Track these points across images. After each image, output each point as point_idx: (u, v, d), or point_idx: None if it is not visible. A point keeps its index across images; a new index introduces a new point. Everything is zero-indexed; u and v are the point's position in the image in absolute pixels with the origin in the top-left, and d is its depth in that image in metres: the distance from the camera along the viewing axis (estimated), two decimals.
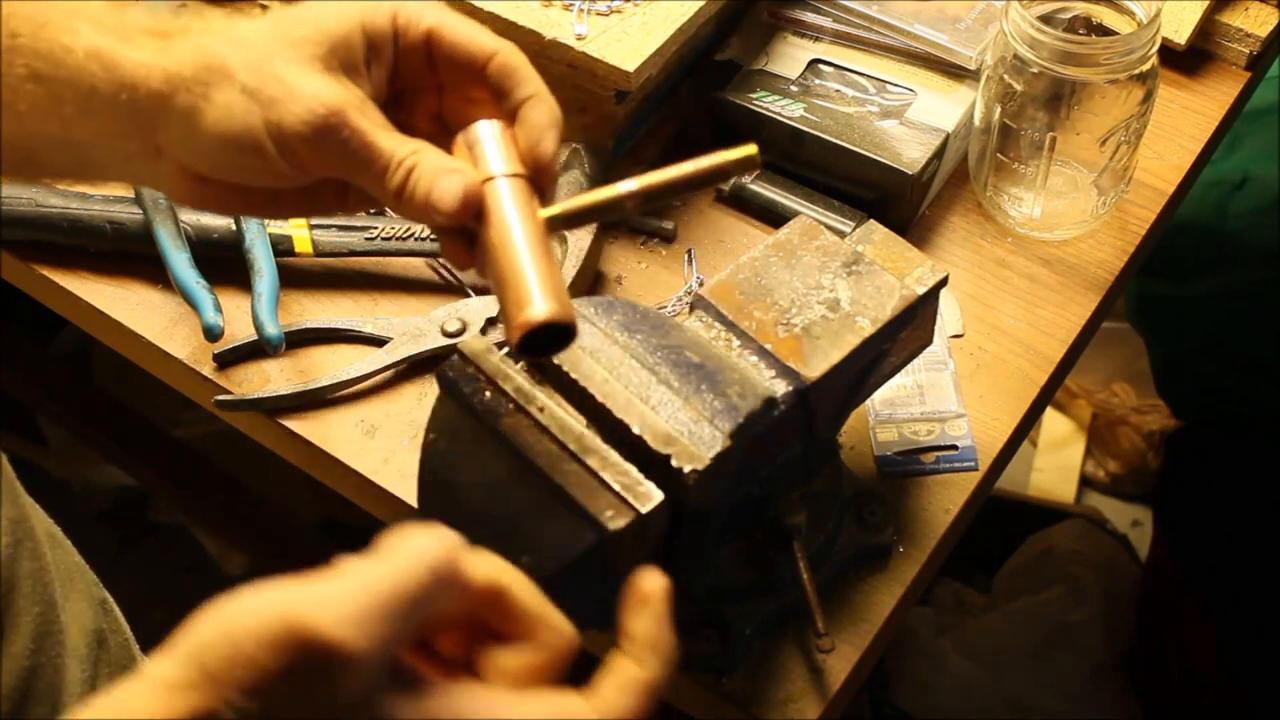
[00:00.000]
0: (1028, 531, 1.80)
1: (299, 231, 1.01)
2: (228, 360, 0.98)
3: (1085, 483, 2.01)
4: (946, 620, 1.67)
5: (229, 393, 0.96)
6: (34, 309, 1.10)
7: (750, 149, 0.69)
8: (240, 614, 0.56)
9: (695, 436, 0.72)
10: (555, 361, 0.75)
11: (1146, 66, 0.98)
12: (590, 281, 1.01)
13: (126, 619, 1.01)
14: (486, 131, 0.71)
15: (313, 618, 0.55)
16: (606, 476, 0.71)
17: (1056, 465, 2.01)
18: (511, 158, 0.71)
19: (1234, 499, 1.68)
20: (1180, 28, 1.15)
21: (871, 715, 1.57)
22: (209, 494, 1.74)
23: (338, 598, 0.55)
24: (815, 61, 1.10)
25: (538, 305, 0.65)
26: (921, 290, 0.83)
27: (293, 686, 0.55)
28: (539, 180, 0.71)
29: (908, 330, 0.84)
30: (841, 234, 0.94)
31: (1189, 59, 1.17)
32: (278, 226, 1.01)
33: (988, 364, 1.00)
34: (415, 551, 0.57)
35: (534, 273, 0.67)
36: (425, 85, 0.74)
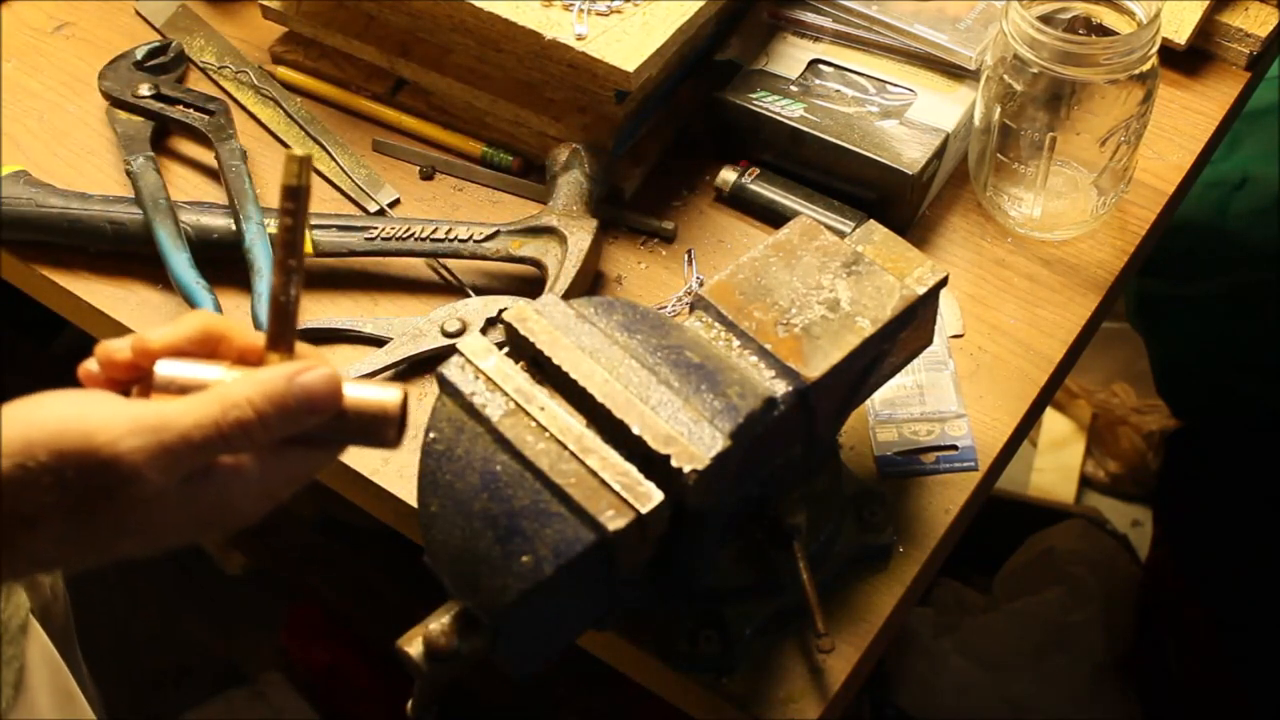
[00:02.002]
0: (1028, 531, 1.80)
1: None
2: None
3: (1085, 483, 2.01)
4: (946, 620, 1.67)
5: None
6: (34, 309, 1.10)
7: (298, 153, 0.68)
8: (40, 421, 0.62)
9: (695, 436, 0.72)
10: (555, 362, 0.75)
11: (1146, 66, 0.98)
12: (590, 281, 1.01)
13: (124, 619, 1.00)
14: (174, 366, 0.69)
15: (116, 444, 0.62)
16: (606, 476, 0.71)
17: (1056, 465, 2.01)
18: (218, 362, 0.70)
19: (1234, 499, 1.68)
20: (1180, 28, 1.15)
21: (871, 715, 1.58)
22: None
23: (143, 433, 0.63)
24: (815, 61, 1.10)
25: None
26: (921, 290, 0.83)
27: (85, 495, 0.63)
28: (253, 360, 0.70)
29: (908, 330, 0.84)
30: (841, 234, 0.94)
31: (1189, 59, 1.17)
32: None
33: (988, 364, 1.00)
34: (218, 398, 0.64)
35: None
36: None
